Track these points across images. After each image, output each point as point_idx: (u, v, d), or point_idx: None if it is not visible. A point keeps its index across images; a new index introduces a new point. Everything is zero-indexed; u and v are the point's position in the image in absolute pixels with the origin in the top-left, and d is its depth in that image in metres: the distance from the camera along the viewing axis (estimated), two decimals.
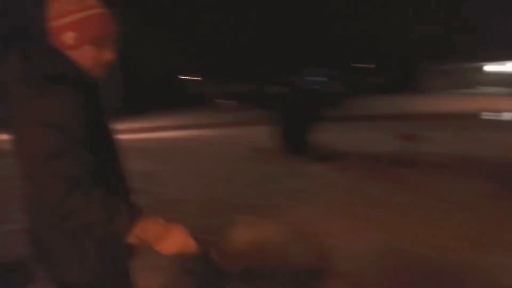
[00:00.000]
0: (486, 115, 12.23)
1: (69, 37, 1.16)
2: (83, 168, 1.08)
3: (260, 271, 2.79)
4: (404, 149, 6.03)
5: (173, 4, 23.23)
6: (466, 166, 5.53)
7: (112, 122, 1.38)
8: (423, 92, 24.05)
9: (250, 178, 5.67)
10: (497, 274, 2.68)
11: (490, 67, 26.50)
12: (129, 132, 14.52)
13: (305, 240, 3.32)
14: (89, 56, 1.21)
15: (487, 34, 24.88)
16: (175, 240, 1.19)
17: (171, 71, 26.48)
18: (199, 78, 29.70)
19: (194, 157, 7.72)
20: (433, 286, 2.65)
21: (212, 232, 3.62)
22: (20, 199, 1.30)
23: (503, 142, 7.46)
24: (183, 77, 29.51)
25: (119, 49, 1.30)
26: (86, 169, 1.09)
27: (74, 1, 1.16)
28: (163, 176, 6.10)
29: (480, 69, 26.86)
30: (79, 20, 1.16)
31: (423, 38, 24.83)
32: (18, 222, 1.51)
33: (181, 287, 2.63)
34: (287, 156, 7.06)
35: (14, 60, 1.15)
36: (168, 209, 4.46)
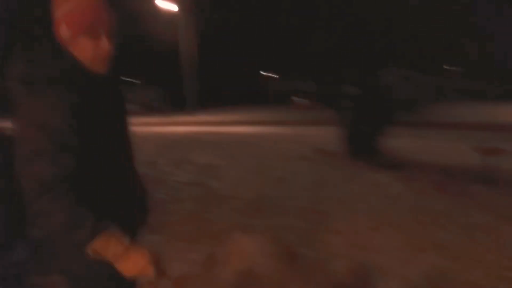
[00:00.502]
0: None
1: (63, 30, 1.16)
2: (59, 172, 1.06)
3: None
4: (483, 164, 5.36)
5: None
6: None
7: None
8: None
9: (307, 180, 5.48)
10: None
11: None
12: (199, 125, 15.08)
13: (348, 255, 3.07)
14: (86, 49, 1.18)
15: None
16: (133, 264, 1.14)
17: (249, 67, 26.93)
18: (276, 75, 29.88)
19: (256, 153, 7.70)
20: None
21: (251, 232, 3.54)
22: None
23: None
24: (261, 73, 29.93)
25: (119, 39, 1.25)
26: (63, 173, 1.07)
27: None
28: (221, 170, 6.16)
29: None
30: (69, 11, 1.15)
31: None
32: None
33: None
34: (351, 160, 6.71)
35: (17, 59, 1.16)
36: (217, 203, 4.47)
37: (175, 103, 21.16)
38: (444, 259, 3.04)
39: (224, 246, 3.25)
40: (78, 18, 1.15)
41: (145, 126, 14.22)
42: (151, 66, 25.21)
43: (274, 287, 2.62)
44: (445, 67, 25.13)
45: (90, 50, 1.18)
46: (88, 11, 1.17)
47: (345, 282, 2.71)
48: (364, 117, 7.08)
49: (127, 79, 29.22)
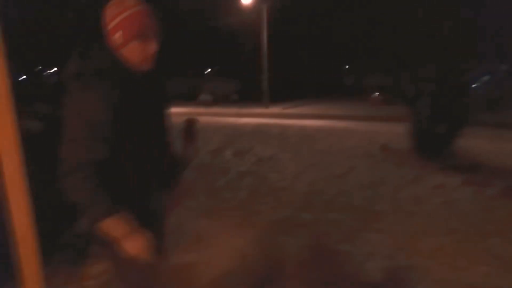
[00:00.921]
0: None
1: (117, 37, 1.35)
2: (93, 157, 1.27)
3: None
4: None
5: None
6: None
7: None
8: None
9: (366, 178, 5.36)
10: None
11: None
12: (271, 117, 15.28)
13: (391, 256, 3.00)
14: (135, 51, 1.37)
15: None
16: (135, 245, 1.32)
17: (326, 61, 26.50)
18: (352, 69, 29.11)
19: (320, 148, 7.67)
20: None
21: (296, 226, 3.60)
22: None
23: None
24: (337, 67, 29.33)
25: (162, 40, 1.43)
26: (95, 158, 1.27)
27: (117, 5, 1.35)
28: (281, 163, 6.28)
29: None
30: (122, 20, 1.34)
31: None
32: None
33: None
34: (418, 160, 6.38)
35: (74, 58, 1.38)
36: (270, 194, 4.60)
37: (250, 95, 21.62)
38: (501, 272, 2.83)
39: (263, 236, 3.38)
40: (130, 27, 1.34)
41: (218, 117, 14.83)
42: (228, 59, 26.06)
43: (304, 279, 2.67)
44: None
45: (139, 52, 1.38)
46: (137, 20, 1.35)
47: (377, 281, 2.67)
48: (440, 115, 6.66)
49: (205, 71, 30.56)
